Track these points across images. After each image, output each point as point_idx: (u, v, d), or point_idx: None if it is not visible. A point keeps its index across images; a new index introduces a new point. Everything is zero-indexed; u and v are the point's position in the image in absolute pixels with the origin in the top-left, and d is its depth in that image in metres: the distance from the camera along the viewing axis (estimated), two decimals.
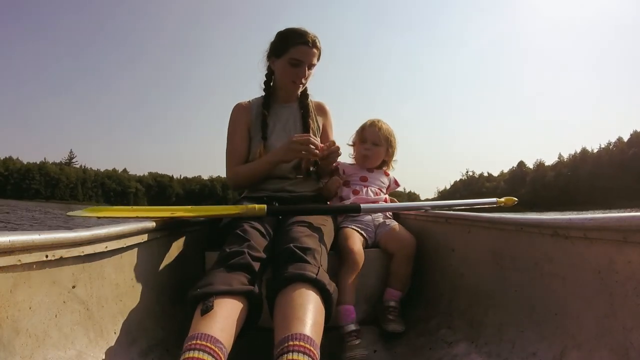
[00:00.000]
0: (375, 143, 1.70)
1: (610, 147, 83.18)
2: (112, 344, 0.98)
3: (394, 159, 1.77)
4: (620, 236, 0.78)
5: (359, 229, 1.53)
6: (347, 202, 1.63)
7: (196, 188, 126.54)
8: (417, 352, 1.24)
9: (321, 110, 1.78)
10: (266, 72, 1.70)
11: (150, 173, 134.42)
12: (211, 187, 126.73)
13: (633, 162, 69.56)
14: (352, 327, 1.32)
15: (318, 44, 1.58)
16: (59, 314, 0.85)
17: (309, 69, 1.60)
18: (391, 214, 1.70)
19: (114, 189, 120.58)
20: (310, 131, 1.67)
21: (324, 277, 1.04)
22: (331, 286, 1.03)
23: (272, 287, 1.04)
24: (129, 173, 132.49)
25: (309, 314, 0.91)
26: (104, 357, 0.93)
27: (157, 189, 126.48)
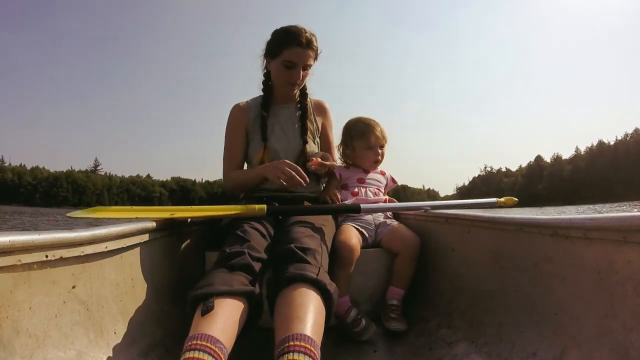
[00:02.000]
0: (382, 145, 1.70)
1: (628, 138, 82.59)
2: (112, 344, 0.98)
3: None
4: (620, 236, 0.78)
5: (358, 227, 1.54)
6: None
7: (218, 191, 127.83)
8: (417, 352, 1.24)
9: (321, 109, 1.76)
10: (264, 72, 1.69)
11: (173, 178, 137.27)
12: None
13: None
14: (353, 314, 1.36)
15: (314, 43, 1.54)
16: (59, 314, 0.85)
17: (304, 70, 1.56)
18: (392, 213, 1.69)
19: (138, 194, 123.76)
20: (308, 132, 1.67)
21: (325, 278, 1.04)
22: (332, 286, 1.03)
23: (272, 287, 1.04)
24: (153, 178, 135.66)
25: (309, 314, 0.91)
26: (104, 357, 0.92)
27: (181, 193, 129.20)
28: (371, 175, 1.73)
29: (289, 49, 1.51)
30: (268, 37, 1.61)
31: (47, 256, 0.82)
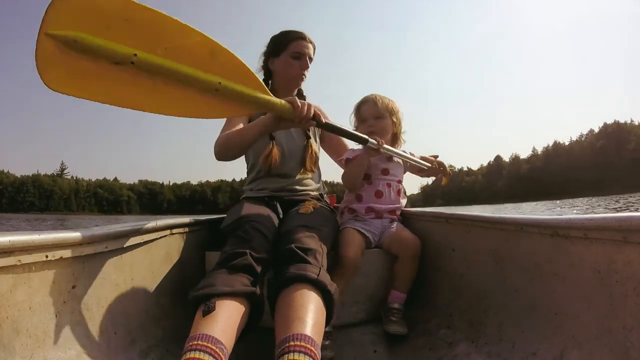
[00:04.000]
0: (377, 116, 1.57)
1: (582, 139, 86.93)
2: (112, 344, 0.98)
3: (402, 130, 1.64)
4: (620, 236, 0.78)
5: (362, 230, 1.50)
6: (367, 206, 1.54)
7: (186, 194, 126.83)
8: (417, 352, 1.24)
9: (320, 110, 1.77)
10: (263, 77, 1.71)
11: (140, 181, 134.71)
12: (201, 192, 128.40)
13: (601, 153, 73.61)
14: (328, 329, 1.29)
15: (313, 41, 1.65)
16: (59, 314, 0.85)
17: (309, 62, 1.64)
18: (397, 215, 1.62)
19: (106, 198, 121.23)
20: (310, 131, 1.67)
21: (325, 278, 1.04)
22: (332, 286, 1.03)
23: (273, 287, 1.04)
24: (120, 182, 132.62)
25: (310, 314, 0.91)
26: (104, 357, 0.92)
27: (149, 197, 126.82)
28: (394, 163, 1.62)
29: (295, 42, 1.61)
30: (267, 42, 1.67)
31: (47, 256, 0.82)
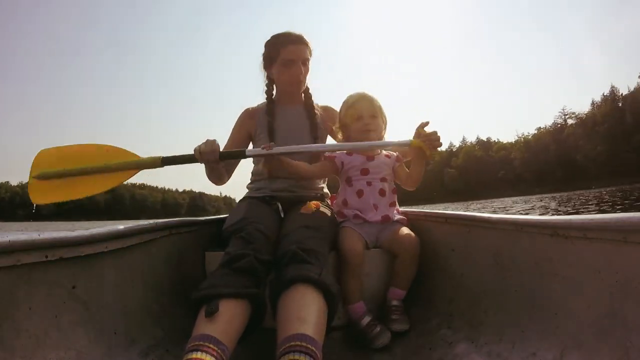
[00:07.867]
0: (373, 115, 1.51)
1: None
2: (112, 344, 0.98)
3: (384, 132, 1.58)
4: (620, 236, 0.78)
5: (360, 232, 1.48)
6: (354, 214, 1.50)
7: (6, 196, 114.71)
8: (417, 352, 1.24)
9: (329, 113, 1.74)
10: (266, 81, 1.71)
11: None
12: (22, 195, 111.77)
13: (444, 175, 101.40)
14: (368, 319, 1.34)
15: (304, 38, 1.61)
16: (59, 314, 0.85)
17: (303, 65, 1.61)
18: (394, 213, 1.58)
19: None
20: (317, 129, 1.67)
21: (327, 278, 1.04)
22: (334, 287, 1.03)
23: (275, 288, 1.04)
24: None
25: (311, 315, 0.91)
26: (104, 357, 0.93)
27: None
28: (376, 162, 1.54)
29: (284, 48, 1.58)
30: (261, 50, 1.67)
31: (47, 256, 0.82)
